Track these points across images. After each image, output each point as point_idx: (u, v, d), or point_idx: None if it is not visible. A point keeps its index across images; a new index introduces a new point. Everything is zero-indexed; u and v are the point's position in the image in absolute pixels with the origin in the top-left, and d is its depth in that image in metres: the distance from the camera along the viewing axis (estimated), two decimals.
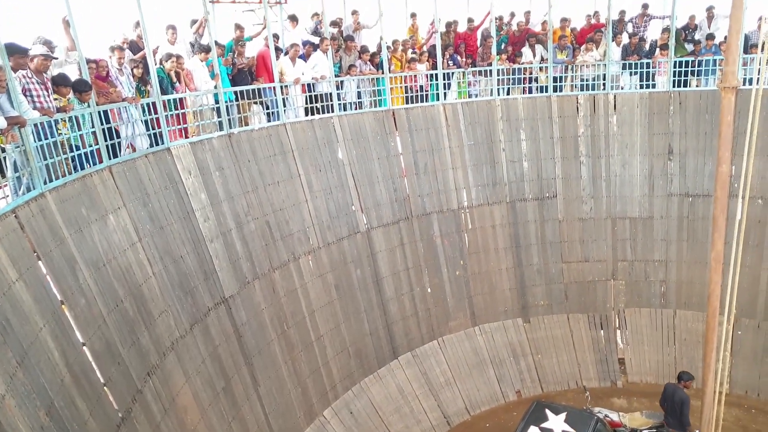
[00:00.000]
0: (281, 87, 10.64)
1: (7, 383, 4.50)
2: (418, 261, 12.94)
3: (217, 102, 9.63)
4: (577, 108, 13.78)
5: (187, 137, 9.18)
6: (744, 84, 11.06)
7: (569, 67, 13.67)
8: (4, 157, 5.91)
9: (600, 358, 13.91)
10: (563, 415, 10.39)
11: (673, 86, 13.36)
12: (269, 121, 10.65)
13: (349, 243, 11.68)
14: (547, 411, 10.56)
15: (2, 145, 5.90)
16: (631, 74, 13.76)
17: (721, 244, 6.18)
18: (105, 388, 6.24)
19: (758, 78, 8.43)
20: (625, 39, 13.84)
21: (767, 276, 12.87)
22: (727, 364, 6.46)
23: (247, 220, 9.66)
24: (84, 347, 6.15)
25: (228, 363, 8.75)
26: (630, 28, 14.38)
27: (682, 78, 13.30)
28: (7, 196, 6.04)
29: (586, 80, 13.76)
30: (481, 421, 12.68)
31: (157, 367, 7.24)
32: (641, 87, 13.62)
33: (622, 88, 13.78)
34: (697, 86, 13.43)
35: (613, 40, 13.53)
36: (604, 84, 13.72)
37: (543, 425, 10.15)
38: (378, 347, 12.18)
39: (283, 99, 10.75)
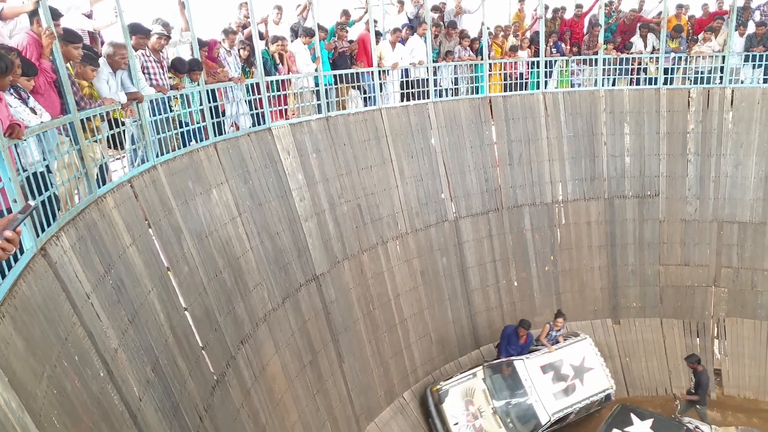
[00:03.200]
0: (379, 72, 10.73)
1: (120, 338, 4.90)
2: (506, 253, 12.71)
3: (316, 85, 9.87)
4: (689, 102, 12.86)
5: (287, 118, 9.50)
6: None
7: (683, 58, 12.76)
8: (124, 130, 6.39)
9: None
10: (649, 422, 10.01)
11: None
12: (365, 105, 10.78)
13: (437, 231, 11.66)
14: (633, 415, 10.21)
15: (122, 119, 6.37)
16: (754, 67, 12.62)
17: None
18: (203, 351, 6.66)
19: None
20: (750, 28, 12.70)
21: None
22: None
23: (340, 202, 9.90)
24: (186, 312, 6.60)
25: (316, 338, 9.08)
26: (757, 16, 13.16)
27: None
28: (125, 167, 6.54)
29: (701, 73, 12.79)
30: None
31: (250, 336, 7.64)
32: (765, 81, 12.48)
33: (741, 82, 12.70)
34: None
35: (735, 30, 12.46)
36: (721, 77, 12.69)
37: (627, 429, 9.82)
38: (460, 336, 12.15)
39: (380, 84, 10.84)
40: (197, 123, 7.72)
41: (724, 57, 12.55)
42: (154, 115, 6.86)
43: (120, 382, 4.68)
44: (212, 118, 7.94)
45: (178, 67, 7.53)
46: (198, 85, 7.77)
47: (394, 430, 10.39)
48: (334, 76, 10.21)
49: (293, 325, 8.58)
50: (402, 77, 11.30)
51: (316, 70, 9.87)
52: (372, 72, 10.66)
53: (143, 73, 6.97)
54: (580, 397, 10.97)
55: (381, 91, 10.88)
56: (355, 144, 10.27)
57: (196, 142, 7.68)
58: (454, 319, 12.00)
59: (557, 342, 11.58)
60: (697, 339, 13.31)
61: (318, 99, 9.89)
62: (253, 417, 7.31)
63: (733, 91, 12.67)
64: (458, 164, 11.94)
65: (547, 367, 11.17)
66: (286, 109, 9.56)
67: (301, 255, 9.00)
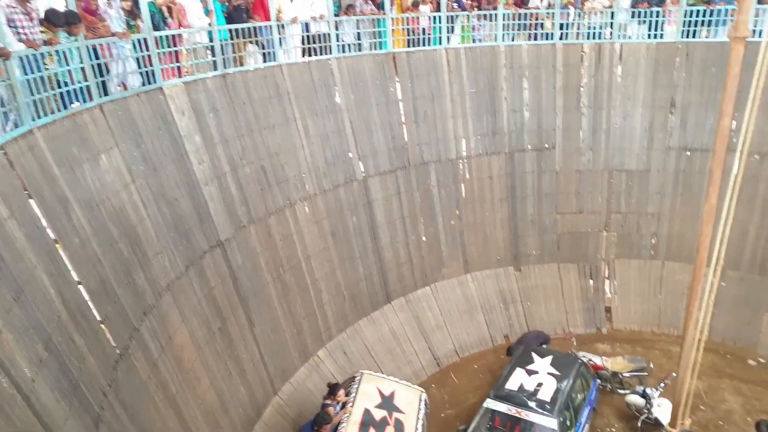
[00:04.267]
0: (278, 26, 10.34)
1: (4, 318, 4.56)
2: (414, 210, 12.97)
3: (211, 40, 9.37)
4: (582, 57, 13.49)
5: (180, 77, 8.97)
6: (753, 36, 10.78)
7: (577, 13, 13.27)
8: None
9: (587, 306, 14.23)
10: (549, 359, 10.77)
11: (682, 37, 13.05)
12: (265, 61, 10.39)
13: (346, 190, 11.65)
14: (534, 354, 10.94)
15: None
16: (639, 23, 13.39)
17: (716, 197, 6.22)
18: (102, 325, 6.34)
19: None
20: None
21: (755, 230, 13.06)
22: (709, 313, 6.60)
23: (242, 164, 9.59)
24: (80, 286, 6.21)
25: (224, 304, 8.90)
26: None
27: (692, 28, 12.97)
28: None
29: (593, 28, 13.40)
30: (469, 362, 13.09)
31: (153, 307, 7.35)
32: (649, 37, 13.29)
33: (629, 38, 13.45)
34: (706, 37, 13.10)
35: None
36: (611, 33, 13.37)
37: (529, 367, 10.54)
38: (372, 292, 12.38)
39: (280, 39, 10.46)
40: (78, 83, 7.10)
41: (613, 13, 13.19)
42: (26, 74, 6.23)
43: (8, 364, 4.36)
44: (96, 77, 7.33)
45: (52, 19, 6.83)
46: (76, 40, 7.11)
47: (310, 387, 10.53)
48: (230, 30, 9.71)
49: (199, 293, 8.34)
50: (303, 32, 10.97)
51: (209, 24, 9.35)
52: (270, 26, 10.25)
53: (9, 26, 6.28)
54: None
55: (281, 46, 10.51)
56: (255, 102, 9.92)
57: (81, 103, 7.09)
58: (366, 276, 12.19)
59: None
60: (591, 281, 14.41)
61: (213, 55, 9.40)
62: (162, 387, 7.12)
63: (621, 46, 13.40)
64: (365, 122, 11.89)
65: None
66: (179, 67, 9.02)
67: (203, 221, 8.68)
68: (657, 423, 10.04)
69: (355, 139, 11.74)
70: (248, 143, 9.75)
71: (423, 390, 9.81)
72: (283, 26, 10.53)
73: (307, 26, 11.01)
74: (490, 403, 9.85)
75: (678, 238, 13.81)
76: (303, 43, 10.96)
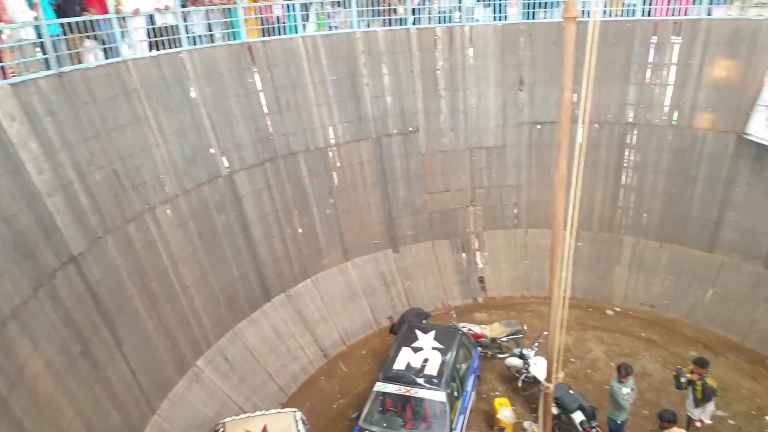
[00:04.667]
0: (118, 19, 9.53)
1: None
2: (287, 202, 12.73)
3: (39, 36, 8.40)
4: (435, 41, 13.96)
5: (6, 77, 7.96)
6: (583, 16, 11.77)
7: None
8: None
9: (462, 278, 14.96)
10: (432, 333, 11.16)
11: (524, 18, 13.97)
12: (107, 57, 9.54)
13: (210, 188, 11.11)
14: (417, 332, 11.26)
15: None
16: (485, 6, 14.12)
17: (565, 166, 6.70)
18: None
19: (595, 10, 9.15)
20: None
21: (600, 193, 14.53)
22: (570, 272, 7.15)
23: (90, 169, 8.75)
24: None
25: (84, 324, 8.11)
26: None
27: (532, 10, 13.93)
28: None
29: (444, 12, 13.90)
30: (356, 349, 13.22)
31: None
32: (495, 19, 14.06)
33: (477, 20, 14.14)
34: (543, 18, 14.15)
35: None
36: (460, 16, 13.96)
37: (414, 344, 10.83)
38: (249, 292, 12.00)
39: (122, 32, 9.66)
40: None
41: None
42: None
43: None
44: None
45: None
46: None
47: (191, 399, 9.98)
48: (61, 25, 8.77)
49: (52, 316, 7.52)
50: (148, 24, 10.21)
51: (35, 18, 8.37)
52: (109, 19, 9.42)
53: None
54: None
55: (123, 40, 9.72)
56: (99, 102, 9.07)
57: None
58: (241, 276, 11.77)
59: None
60: (463, 254, 15.15)
61: (44, 53, 8.45)
62: (16, 427, 6.37)
63: (471, 28, 14.05)
64: (224, 115, 11.39)
65: None
66: (2, 67, 8.00)
67: (50, 236, 7.81)
68: (536, 380, 10.80)
69: (216, 133, 11.21)
70: (96, 147, 8.91)
71: (295, 409, 9.54)
72: (124, 19, 9.73)
73: (152, 18, 10.27)
74: (380, 386, 9.99)
75: (536, 206, 14.93)
76: (149, 37, 10.21)
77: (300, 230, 13.07)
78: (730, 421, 10.52)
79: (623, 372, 9.11)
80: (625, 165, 14.35)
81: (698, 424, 9.46)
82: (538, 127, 14.56)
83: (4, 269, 6.94)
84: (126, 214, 9.32)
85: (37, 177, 7.86)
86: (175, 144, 10.41)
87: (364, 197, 14.02)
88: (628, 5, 13.71)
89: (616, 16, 13.80)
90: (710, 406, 9.39)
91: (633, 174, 14.29)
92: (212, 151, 11.18)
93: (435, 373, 9.99)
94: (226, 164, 11.46)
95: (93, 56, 9.47)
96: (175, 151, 10.40)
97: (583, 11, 12.84)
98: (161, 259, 9.93)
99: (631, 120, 14.01)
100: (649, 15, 13.49)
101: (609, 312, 14.18)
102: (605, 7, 13.67)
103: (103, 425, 8.00)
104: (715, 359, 11.49)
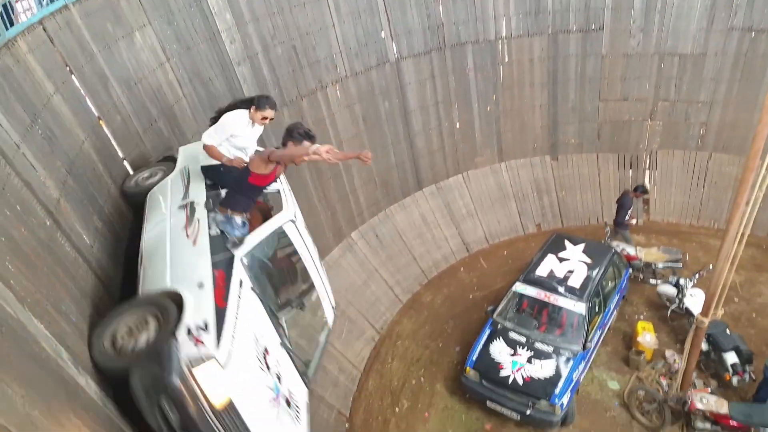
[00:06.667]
0: None
1: (60, 188, 4.82)
2: (449, 95, 12.63)
3: None
4: None
5: None
6: None
7: None
8: None
9: None
10: (581, 246, 10.85)
11: None
12: None
13: (378, 73, 11.35)
14: (566, 241, 11.00)
15: None
16: None
17: None
18: None
19: None
20: None
21: None
22: (757, 205, 6.45)
23: (273, 44, 9.39)
24: (124, 162, 6.48)
25: None
26: None
27: None
28: (30, 8, 5.93)
29: None
30: (499, 249, 13.33)
31: None
32: None
33: None
34: None
35: None
36: None
37: (560, 254, 10.66)
38: (403, 179, 12.48)
39: None
40: None
41: None
42: None
43: (68, 231, 4.67)
44: None
45: None
46: None
47: (344, 266, 11.04)
48: None
49: None
50: None
51: None
52: None
53: None
54: None
55: None
56: None
57: None
58: (398, 163, 12.22)
59: None
60: (630, 171, 14.08)
61: None
62: None
63: None
64: None
65: None
66: None
67: None
68: (688, 312, 10.20)
69: (389, 16, 11.18)
70: (279, 22, 9.47)
71: None
72: None
73: None
74: (519, 287, 10.10)
75: (730, 128, 13.08)
76: None
77: (458, 125, 13.02)
78: None
79: None
80: None
81: None
82: (752, 34, 12.35)
83: (202, 127, 7.84)
84: (301, 89, 9.97)
85: (230, 46, 8.64)
86: (349, 25, 10.64)
87: (530, 97, 13.41)
88: None
89: None
90: None
91: None
92: (383, 35, 11.27)
93: (578, 286, 9.85)
94: (395, 50, 11.52)
95: None
96: (348, 32, 10.66)
97: None
98: (328, 137, 10.61)
99: None
100: None
101: None
102: None
103: None
104: None
